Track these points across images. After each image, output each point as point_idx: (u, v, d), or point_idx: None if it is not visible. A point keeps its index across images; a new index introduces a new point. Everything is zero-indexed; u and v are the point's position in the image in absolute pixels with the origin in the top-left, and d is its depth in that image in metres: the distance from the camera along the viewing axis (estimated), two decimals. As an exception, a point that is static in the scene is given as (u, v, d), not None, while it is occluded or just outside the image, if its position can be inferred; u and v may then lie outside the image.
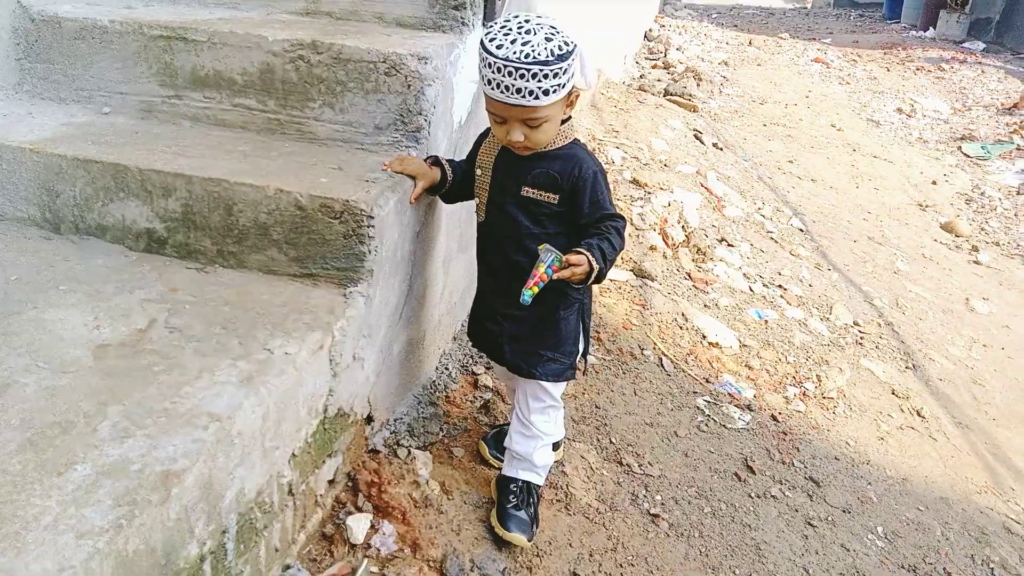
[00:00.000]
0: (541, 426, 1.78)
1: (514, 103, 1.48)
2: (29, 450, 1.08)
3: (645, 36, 9.13)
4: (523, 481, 1.80)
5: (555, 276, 1.52)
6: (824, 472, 2.36)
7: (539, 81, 1.44)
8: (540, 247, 1.56)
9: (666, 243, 3.34)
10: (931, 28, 13.43)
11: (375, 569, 1.55)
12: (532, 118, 1.52)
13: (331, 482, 1.61)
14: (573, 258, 1.52)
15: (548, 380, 1.75)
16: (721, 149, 5.18)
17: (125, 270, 1.62)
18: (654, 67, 7.67)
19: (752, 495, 2.19)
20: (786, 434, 2.49)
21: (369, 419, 1.75)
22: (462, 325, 2.43)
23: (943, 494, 2.43)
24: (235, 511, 1.22)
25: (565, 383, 1.82)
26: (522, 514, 1.76)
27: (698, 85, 6.85)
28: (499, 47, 1.45)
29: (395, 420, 1.90)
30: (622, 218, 1.65)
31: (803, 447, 2.45)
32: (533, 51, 1.43)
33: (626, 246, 3.16)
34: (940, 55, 10.81)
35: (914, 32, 13.52)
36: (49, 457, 1.07)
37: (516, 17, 1.50)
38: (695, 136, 5.09)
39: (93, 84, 1.95)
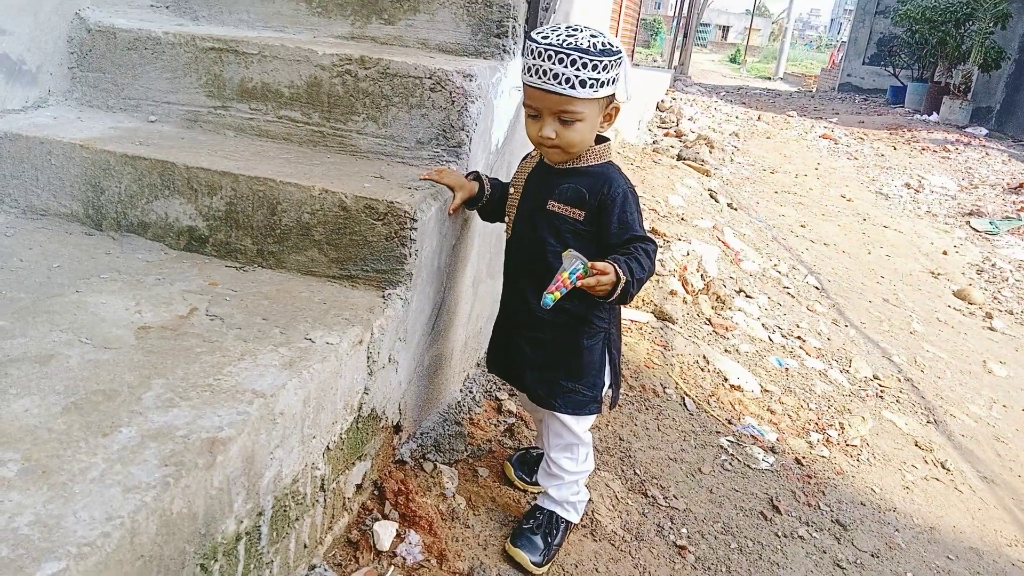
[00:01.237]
0: (564, 463, 1.72)
1: (550, 89, 1.46)
2: (74, 412, 1.07)
3: (657, 107, 9.37)
4: (548, 511, 1.76)
5: (579, 284, 1.44)
6: (850, 516, 2.30)
7: (577, 69, 1.43)
8: (564, 253, 1.49)
9: (686, 289, 3.34)
10: (935, 113, 13.79)
11: (401, 578, 1.50)
12: (566, 111, 1.49)
13: (359, 487, 1.58)
14: (600, 265, 1.44)
15: (567, 413, 1.68)
16: (735, 209, 5.25)
17: (165, 265, 1.63)
18: (666, 135, 7.84)
19: (779, 534, 2.13)
20: (811, 477, 2.44)
21: (398, 428, 1.73)
22: (484, 353, 2.42)
23: (972, 544, 2.36)
24: (272, 493, 1.19)
25: (590, 418, 1.73)
26: (536, 538, 1.70)
27: (710, 152, 6.99)
28: (544, 37, 1.46)
29: (421, 434, 1.87)
30: (653, 241, 1.58)
31: (828, 491, 2.40)
32: (576, 40, 1.44)
33: (648, 290, 3.19)
34: (945, 137, 11.05)
35: (918, 116, 13.86)
36: (94, 420, 1.06)
37: (567, 24, 1.53)
38: (710, 195, 5.17)
39: (141, 93, 2.00)
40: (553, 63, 1.44)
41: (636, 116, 7.15)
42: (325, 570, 1.39)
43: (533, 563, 1.66)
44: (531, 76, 1.49)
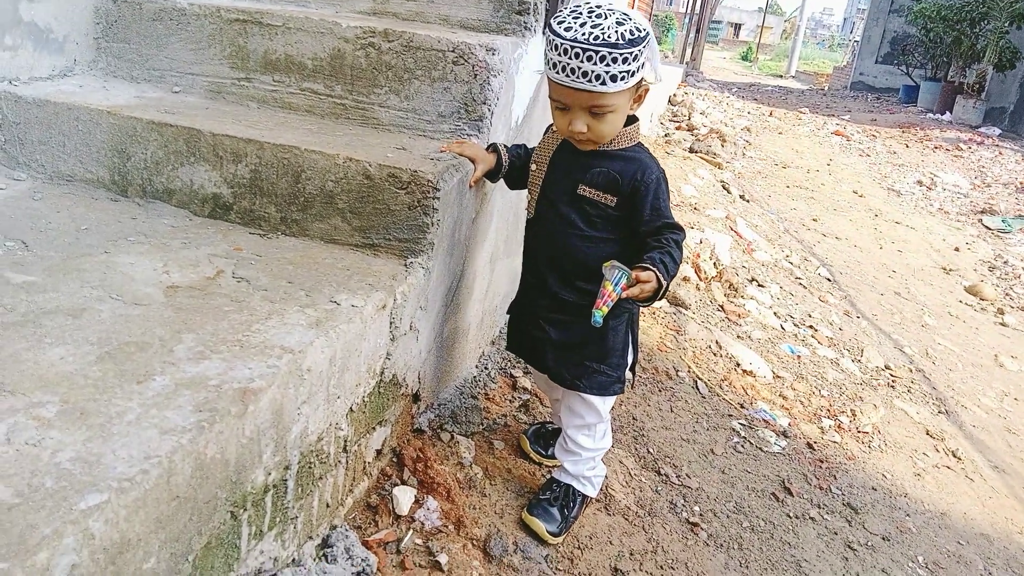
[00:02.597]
0: (582, 440, 1.72)
1: (580, 87, 1.42)
2: (108, 361, 1.08)
3: (669, 101, 9.36)
4: (565, 484, 1.77)
5: (624, 294, 1.42)
6: (862, 500, 2.31)
7: (607, 65, 1.38)
8: (605, 265, 1.46)
9: (699, 276, 3.35)
10: (948, 112, 13.73)
11: (419, 542, 1.51)
12: (597, 105, 1.45)
13: (379, 452, 1.59)
14: (643, 275, 1.41)
15: (593, 393, 1.67)
16: (747, 201, 5.25)
17: (190, 230, 1.64)
18: (678, 128, 7.83)
19: (791, 515, 2.14)
20: (822, 461, 2.45)
21: (416, 397, 1.74)
22: (500, 331, 2.44)
23: (983, 531, 2.37)
24: (298, 449, 1.21)
25: (613, 398, 1.72)
26: (553, 509, 1.72)
27: (722, 146, 6.98)
28: (567, 29, 1.40)
29: (439, 405, 1.89)
30: (681, 229, 1.55)
31: (840, 475, 2.40)
32: (603, 33, 1.38)
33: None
34: (958, 136, 11.01)
35: (931, 115, 13.80)
36: (128, 368, 1.07)
37: (587, 3, 1.46)
38: (723, 186, 5.17)
39: (165, 64, 2.02)
40: (582, 61, 1.39)
41: (648, 109, 7.14)
42: (346, 531, 1.41)
43: (549, 532, 1.67)
44: (558, 73, 1.43)
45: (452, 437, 1.81)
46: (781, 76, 27.10)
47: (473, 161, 1.74)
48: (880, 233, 5.93)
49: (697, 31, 16.33)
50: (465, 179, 1.72)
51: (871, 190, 7.34)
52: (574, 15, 1.44)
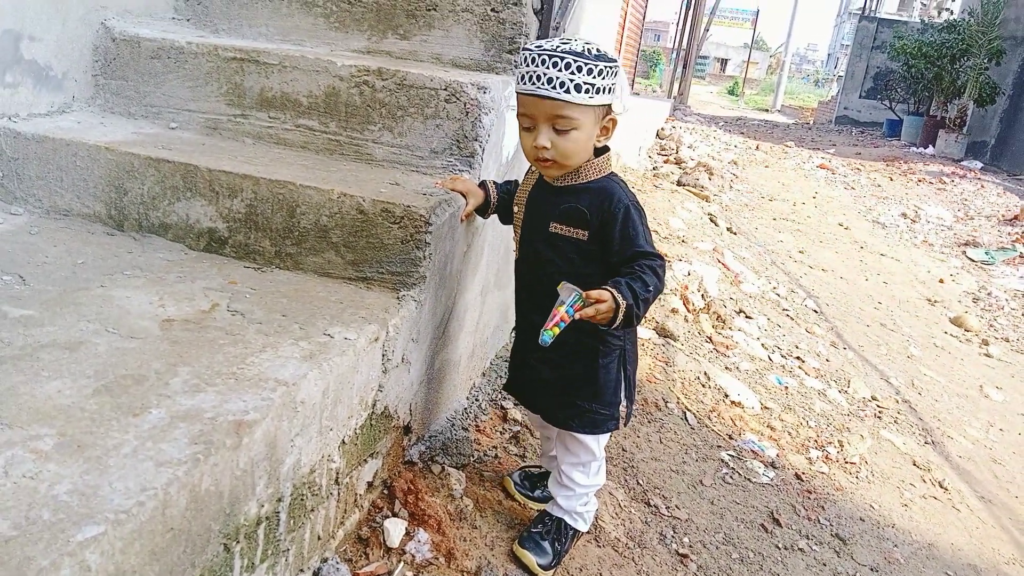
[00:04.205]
0: (576, 477, 1.71)
1: (544, 94, 1.43)
2: (105, 394, 1.10)
3: (657, 134, 9.49)
4: (557, 518, 1.77)
5: (577, 316, 1.39)
6: (850, 531, 2.32)
7: (572, 73, 1.40)
8: (559, 286, 1.43)
9: (687, 308, 3.39)
10: (931, 146, 13.97)
11: (410, 574, 1.52)
12: (560, 117, 1.45)
13: (370, 484, 1.60)
14: (594, 293, 1.39)
15: (586, 432, 1.66)
16: (735, 233, 5.31)
17: (186, 264, 1.67)
18: (666, 162, 7.93)
19: (779, 546, 2.15)
20: (811, 492, 2.46)
21: (408, 429, 1.76)
22: (491, 363, 2.46)
23: (970, 561, 2.38)
24: (291, 481, 1.22)
25: (607, 435, 1.71)
26: (545, 543, 1.71)
27: (710, 179, 7.07)
28: (538, 45, 1.44)
29: (430, 437, 1.90)
30: (659, 256, 1.51)
31: (828, 506, 2.42)
32: (569, 45, 1.42)
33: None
34: (940, 169, 11.19)
35: (914, 148, 14.04)
36: (124, 401, 1.09)
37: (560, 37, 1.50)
38: (710, 219, 5.24)
39: (162, 101, 2.06)
40: (547, 67, 1.41)
41: (637, 142, 7.24)
42: (337, 564, 1.41)
43: (540, 565, 1.67)
44: (524, 83, 1.46)
45: (443, 469, 1.82)
46: (767, 110, 27.54)
47: (465, 196, 1.78)
48: (865, 265, 6.00)
49: (684, 66, 16.62)
50: (457, 214, 1.75)
51: (856, 223, 7.44)
52: (548, 40, 1.47)
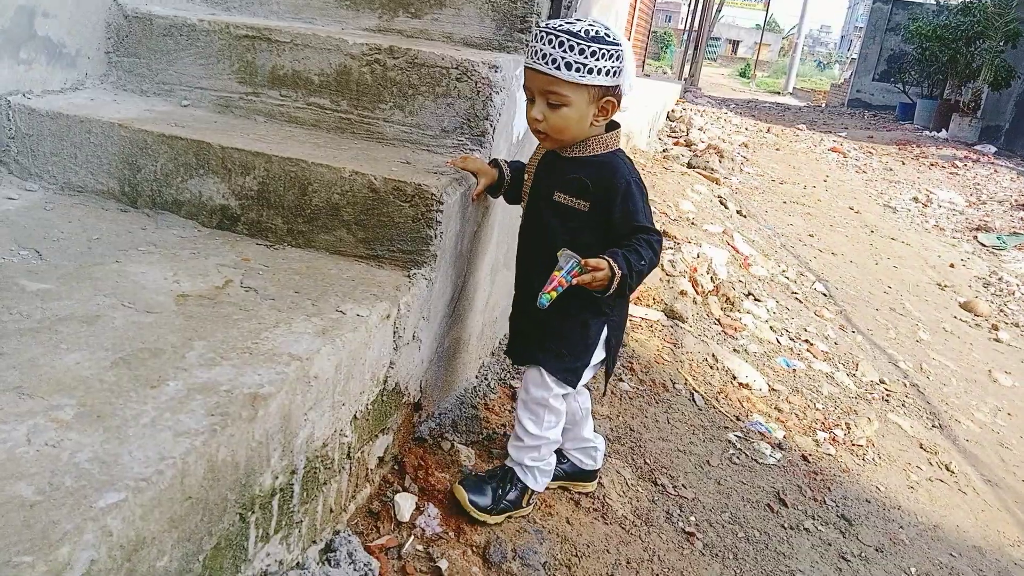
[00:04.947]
0: (526, 423, 1.69)
1: (537, 68, 1.49)
2: (123, 367, 1.12)
3: (668, 116, 9.44)
4: (507, 467, 1.74)
5: (575, 281, 1.47)
6: (856, 512, 2.34)
7: (564, 51, 1.46)
8: (559, 252, 1.50)
9: (696, 290, 3.39)
10: (944, 130, 13.85)
11: (420, 548, 1.54)
12: (552, 92, 1.51)
13: (381, 460, 1.63)
14: (592, 262, 1.46)
15: (544, 367, 1.65)
16: (745, 216, 5.30)
17: (199, 241, 1.68)
18: (676, 144, 7.90)
19: (785, 526, 2.17)
20: (817, 474, 2.48)
21: (418, 406, 1.77)
22: (499, 342, 2.47)
23: (975, 543, 2.40)
24: (304, 454, 1.24)
25: (563, 387, 1.68)
26: (487, 487, 1.68)
27: (720, 161, 7.05)
28: (547, 23, 1.51)
29: (440, 414, 1.92)
30: (657, 232, 1.57)
31: (834, 487, 2.43)
32: (570, 24, 1.48)
33: (658, 289, 3.24)
34: (953, 154, 11.11)
35: (927, 132, 13.91)
36: (142, 373, 1.11)
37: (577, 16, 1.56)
38: (720, 202, 5.22)
39: (174, 79, 2.06)
40: (543, 43, 1.48)
41: (647, 124, 7.21)
42: (349, 536, 1.44)
43: (472, 503, 1.64)
44: (528, 58, 1.53)
45: (452, 446, 1.84)
46: (779, 93, 27.30)
47: (476, 175, 1.78)
48: (876, 249, 5.98)
49: (695, 48, 16.48)
50: (468, 193, 1.76)
51: (867, 206, 7.41)
52: (561, 19, 1.54)
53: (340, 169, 1.65)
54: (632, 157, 5.45)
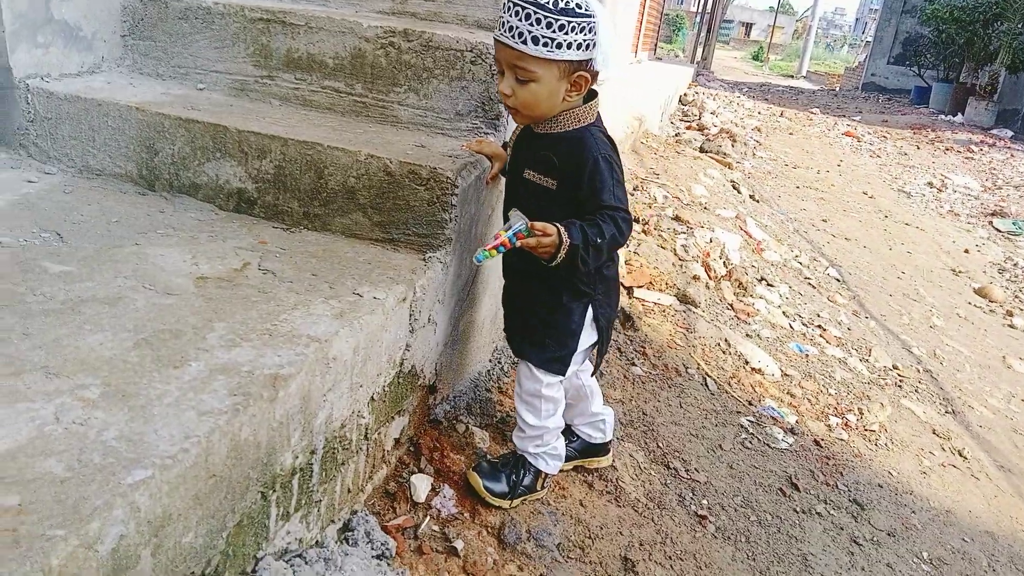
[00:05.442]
0: (524, 415, 1.70)
1: (503, 41, 1.41)
2: (145, 347, 1.13)
3: (680, 100, 9.38)
4: (518, 455, 1.75)
5: (519, 243, 1.42)
6: (868, 497, 2.34)
7: (530, 24, 1.37)
8: (511, 211, 1.47)
9: (708, 275, 3.38)
10: (960, 114, 13.69)
11: (436, 528, 1.56)
12: (519, 67, 1.43)
13: (397, 441, 1.64)
14: (539, 225, 1.41)
15: (532, 362, 1.65)
16: (757, 201, 5.27)
17: (216, 224, 1.70)
18: (688, 128, 7.86)
19: (797, 510, 2.18)
20: (829, 458, 2.48)
21: (433, 388, 1.79)
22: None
23: (988, 528, 2.40)
24: (323, 434, 1.26)
25: (553, 377, 1.67)
26: (500, 473, 1.69)
27: (732, 145, 7.00)
28: None
29: (454, 397, 1.93)
30: (624, 210, 1.49)
31: (846, 472, 2.44)
32: None
33: (671, 273, 3.23)
34: (969, 138, 10.99)
35: (943, 116, 13.76)
36: (164, 354, 1.12)
37: None
38: (732, 186, 5.20)
39: (190, 62, 2.07)
40: (510, 15, 1.39)
41: (659, 108, 7.17)
42: (366, 516, 1.45)
43: (487, 488, 1.66)
44: (496, 29, 1.45)
45: (467, 428, 1.86)
46: (792, 76, 27.04)
47: (490, 159, 1.79)
48: (890, 234, 5.94)
49: (708, 30, 16.34)
50: (482, 176, 1.76)
51: (881, 191, 7.35)
52: None
53: (356, 153, 1.66)
54: (644, 142, 5.38)
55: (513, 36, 1.39)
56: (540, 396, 1.68)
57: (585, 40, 1.41)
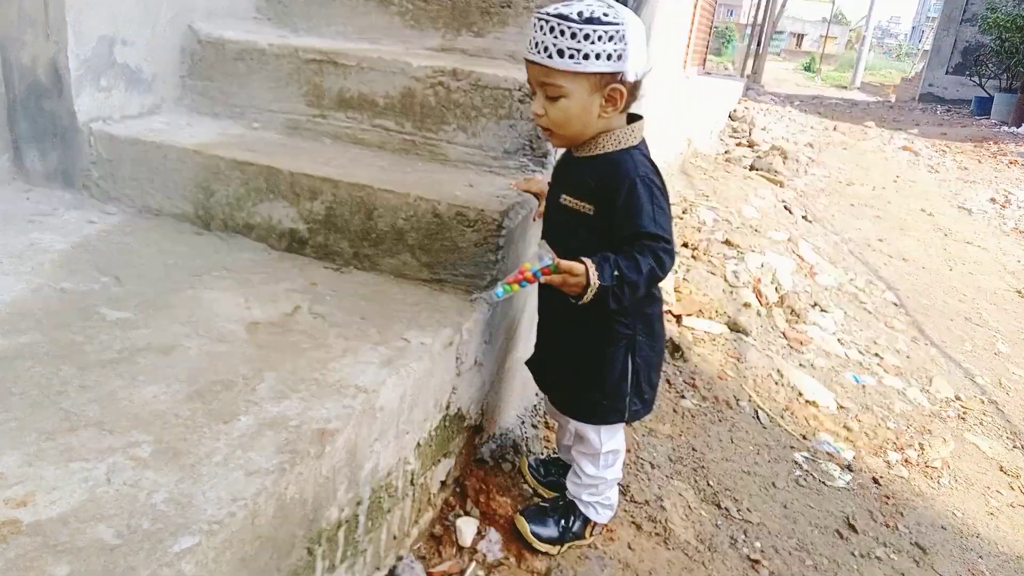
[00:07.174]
0: (584, 466, 1.66)
1: (532, 59, 1.35)
2: (197, 400, 1.15)
3: (729, 116, 9.26)
4: (569, 500, 1.71)
5: (543, 279, 1.33)
6: (931, 540, 2.25)
7: (556, 37, 1.30)
8: (539, 243, 1.39)
9: (760, 301, 3.32)
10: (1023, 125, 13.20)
11: (482, 574, 1.55)
12: (548, 84, 1.36)
13: (443, 484, 1.64)
14: (565, 264, 1.32)
15: (587, 422, 1.60)
16: (810, 221, 5.16)
17: (269, 265, 1.72)
18: (738, 145, 7.74)
19: (855, 554, 2.10)
20: (889, 498, 2.39)
21: (479, 428, 1.78)
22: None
23: (1061, 576, 2.28)
24: (369, 485, 1.26)
25: (614, 427, 1.62)
26: (549, 518, 1.66)
27: (784, 162, 6.87)
28: (542, 9, 1.34)
29: (500, 435, 1.92)
30: (665, 239, 1.37)
31: (907, 512, 2.35)
32: (565, 7, 1.31)
33: (721, 300, 3.17)
34: (1034, 150, 10.57)
35: (1005, 128, 13.31)
36: (215, 408, 1.14)
37: None
38: (784, 207, 5.10)
39: (245, 101, 2.12)
40: (536, 30, 1.33)
41: (708, 125, 7.09)
42: (412, 562, 1.45)
43: (535, 534, 1.63)
44: (525, 48, 1.38)
45: (513, 467, 1.84)
46: (845, 87, 26.48)
47: (538, 197, 1.77)
48: (950, 254, 5.74)
49: (759, 42, 16.13)
50: (530, 215, 1.76)
51: (940, 208, 7.12)
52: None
53: (405, 195, 1.67)
54: (692, 161, 5.32)
55: (539, 52, 1.33)
56: (599, 451, 1.64)
57: (615, 50, 1.32)
